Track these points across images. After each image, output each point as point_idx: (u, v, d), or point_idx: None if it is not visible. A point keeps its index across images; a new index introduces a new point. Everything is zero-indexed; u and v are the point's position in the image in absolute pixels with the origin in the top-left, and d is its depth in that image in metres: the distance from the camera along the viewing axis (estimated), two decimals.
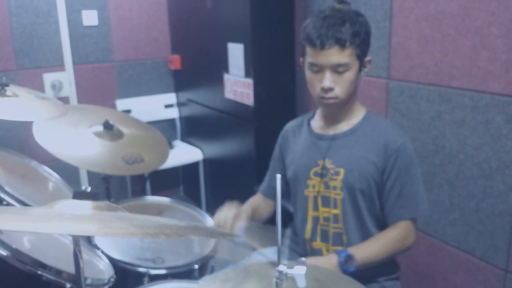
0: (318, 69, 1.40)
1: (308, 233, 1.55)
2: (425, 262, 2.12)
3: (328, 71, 1.38)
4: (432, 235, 2.07)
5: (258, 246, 1.42)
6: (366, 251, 1.42)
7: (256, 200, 1.71)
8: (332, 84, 1.39)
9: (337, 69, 1.38)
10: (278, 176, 0.95)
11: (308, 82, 1.46)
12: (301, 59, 1.50)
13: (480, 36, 1.75)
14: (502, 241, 1.79)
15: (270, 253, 1.71)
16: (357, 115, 1.53)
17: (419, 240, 2.12)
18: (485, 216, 1.84)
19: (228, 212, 1.46)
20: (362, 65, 1.43)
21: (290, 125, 1.68)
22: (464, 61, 1.82)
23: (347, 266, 1.36)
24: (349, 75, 1.39)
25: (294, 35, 2.67)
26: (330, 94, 1.41)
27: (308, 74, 1.45)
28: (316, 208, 1.52)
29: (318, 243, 1.54)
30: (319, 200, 1.51)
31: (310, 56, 1.40)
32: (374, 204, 1.48)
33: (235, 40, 2.65)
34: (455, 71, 1.86)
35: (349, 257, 1.38)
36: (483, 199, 1.84)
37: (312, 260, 1.42)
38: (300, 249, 1.60)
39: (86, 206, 0.95)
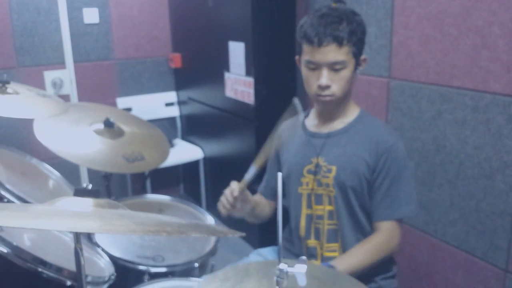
0: (315, 66, 1.41)
1: (302, 231, 1.55)
2: (425, 261, 2.12)
3: (325, 69, 1.39)
4: (432, 234, 2.07)
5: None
6: (348, 261, 1.41)
7: (258, 198, 1.71)
8: (329, 82, 1.40)
9: (334, 66, 1.39)
10: (279, 175, 0.94)
11: (304, 80, 1.47)
12: (297, 57, 1.51)
13: (481, 35, 1.75)
14: (502, 241, 1.79)
15: (268, 252, 1.72)
16: (351, 113, 1.53)
17: (419, 239, 2.12)
18: (485, 216, 1.84)
19: (231, 187, 1.47)
20: (357, 63, 1.44)
21: (284, 124, 1.68)
22: (465, 61, 1.82)
23: None
24: (346, 73, 1.41)
25: (295, 34, 2.66)
26: (326, 92, 1.42)
27: (304, 71, 1.46)
28: (309, 205, 1.53)
29: (312, 241, 1.54)
30: (313, 198, 1.52)
31: (307, 54, 1.42)
32: (366, 201, 1.49)
33: (236, 38, 2.64)
34: (456, 71, 1.86)
35: None
36: (484, 199, 1.84)
37: None
38: (296, 248, 1.60)
39: (87, 203, 0.95)
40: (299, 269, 0.91)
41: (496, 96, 1.74)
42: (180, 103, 3.57)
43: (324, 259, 1.51)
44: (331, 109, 1.50)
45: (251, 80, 2.58)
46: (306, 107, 1.64)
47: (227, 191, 1.47)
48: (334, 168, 1.47)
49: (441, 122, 1.95)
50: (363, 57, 1.46)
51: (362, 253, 1.44)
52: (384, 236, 1.46)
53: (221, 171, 3.20)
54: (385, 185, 1.45)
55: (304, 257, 0.95)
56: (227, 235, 0.91)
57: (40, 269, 1.25)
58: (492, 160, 1.78)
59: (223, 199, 1.48)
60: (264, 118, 2.62)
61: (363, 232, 1.50)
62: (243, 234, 0.91)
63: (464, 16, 1.80)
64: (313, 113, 1.60)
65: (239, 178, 1.49)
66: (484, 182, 1.82)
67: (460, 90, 1.86)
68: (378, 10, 2.14)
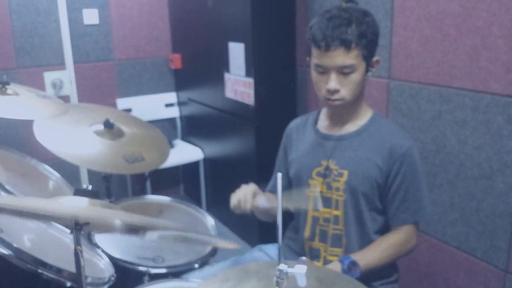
0: (324, 70, 1.38)
1: (307, 232, 1.54)
2: (426, 262, 2.12)
3: (334, 73, 1.37)
4: (432, 235, 2.07)
5: (289, 206, 1.41)
6: (369, 256, 1.42)
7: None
8: (338, 86, 1.38)
9: (342, 70, 1.36)
10: (279, 175, 0.95)
11: (314, 83, 1.45)
12: (307, 58, 1.48)
13: (481, 36, 1.75)
14: (503, 241, 1.79)
15: (270, 250, 1.72)
16: (364, 116, 1.51)
17: (420, 240, 2.11)
18: (485, 216, 1.84)
19: (247, 188, 1.45)
20: (369, 65, 1.41)
21: (294, 123, 1.67)
22: (465, 61, 1.82)
23: (351, 274, 1.36)
24: (355, 76, 1.38)
25: (295, 35, 2.67)
26: (335, 96, 1.40)
27: (314, 75, 1.43)
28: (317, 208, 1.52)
29: (316, 243, 1.53)
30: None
31: (316, 57, 1.39)
32: (375, 207, 1.48)
33: (236, 39, 2.65)
34: (456, 71, 1.86)
35: (353, 264, 1.37)
36: (484, 199, 1.84)
37: None
38: (299, 248, 1.60)
39: (84, 204, 0.95)
40: (299, 269, 0.91)
41: (496, 96, 1.74)
42: (180, 104, 3.57)
43: (327, 262, 1.49)
44: (341, 112, 1.49)
45: (251, 80, 2.58)
46: (309, 109, 1.64)
47: (242, 194, 1.43)
48: (345, 172, 1.46)
49: (441, 123, 1.95)
50: (375, 58, 1.43)
51: (382, 250, 1.45)
52: (403, 237, 1.47)
53: (221, 172, 3.20)
54: (402, 190, 1.44)
55: (304, 258, 0.95)
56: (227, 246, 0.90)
57: (40, 271, 1.25)
58: (492, 160, 1.78)
59: (237, 201, 1.44)
60: (264, 119, 2.63)
61: (369, 240, 1.49)
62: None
63: (463, 17, 1.80)
64: (324, 114, 1.58)
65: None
66: (484, 183, 1.82)
67: (460, 91, 1.86)
68: (378, 10, 2.14)
